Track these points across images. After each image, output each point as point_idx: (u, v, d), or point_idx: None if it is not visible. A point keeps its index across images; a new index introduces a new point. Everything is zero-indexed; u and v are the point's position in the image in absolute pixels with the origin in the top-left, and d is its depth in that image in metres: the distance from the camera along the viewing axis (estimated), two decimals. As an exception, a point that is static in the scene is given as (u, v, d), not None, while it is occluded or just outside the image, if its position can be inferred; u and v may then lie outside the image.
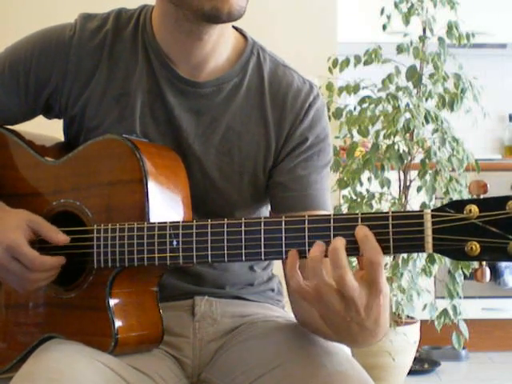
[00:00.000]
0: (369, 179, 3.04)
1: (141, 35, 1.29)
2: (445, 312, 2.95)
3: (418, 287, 3.03)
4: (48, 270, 1.16)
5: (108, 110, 1.27)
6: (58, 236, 1.17)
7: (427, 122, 2.96)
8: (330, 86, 3.23)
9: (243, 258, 1.04)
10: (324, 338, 1.16)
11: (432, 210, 0.92)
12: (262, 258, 1.03)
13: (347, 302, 0.95)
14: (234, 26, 1.31)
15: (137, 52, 1.28)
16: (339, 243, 0.95)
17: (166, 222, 1.10)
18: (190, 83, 1.27)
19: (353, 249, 0.96)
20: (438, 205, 0.93)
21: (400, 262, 2.99)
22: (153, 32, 1.28)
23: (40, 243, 1.18)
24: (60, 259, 1.16)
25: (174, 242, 1.09)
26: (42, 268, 1.15)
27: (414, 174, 3.08)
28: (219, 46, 1.27)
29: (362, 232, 0.95)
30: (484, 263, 0.93)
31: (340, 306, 0.96)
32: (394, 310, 3.02)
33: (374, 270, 0.94)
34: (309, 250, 0.99)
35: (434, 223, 0.92)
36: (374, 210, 3.03)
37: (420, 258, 2.99)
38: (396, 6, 3.07)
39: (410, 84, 3.06)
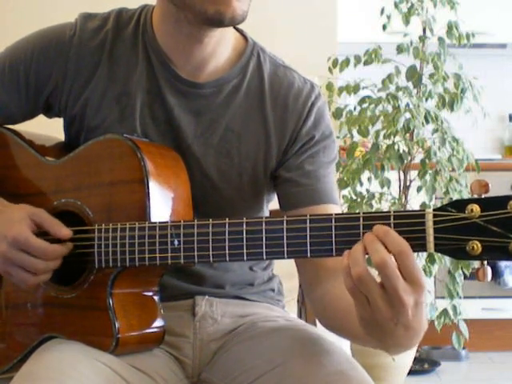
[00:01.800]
0: (369, 179, 3.04)
1: (141, 35, 1.29)
2: (445, 312, 2.95)
3: (418, 287, 3.03)
4: (58, 258, 1.16)
5: (108, 109, 1.27)
6: (62, 230, 1.17)
7: (427, 122, 2.96)
8: (330, 86, 3.23)
9: (245, 257, 1.04)
10: (362, 345, 1.12)
11: (434, 210, 0.92)
12: (264, 257, 1.03)
13: (393, 302, 0.92)
14: (234, 27, 1.31)
15: (137, 52, 1.28)
16: (371, 236, 0.93)
17: (167, 222, 1.10)
18: (189, 84, 1.27)
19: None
20: (438, 205, 0.93)
21: (400, 262, 2.98)
22: (153, 32, 1.28)
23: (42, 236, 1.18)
24: (68, 245, 1.17)
25: (176, 242, 1.09)
26: (54, 256, 1.15)
27: (414, 174, 3.08)
28: (219, 48, 1.27)
29: (382, 229, 0.93)
30: (485, 262, 0.93)
31: (385, 307, 0.92)
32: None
33: (404, 259, 0.91)
34: (310, 249, 0.99)
35: (435, 222, 0.92)
36: (374, 210, 3.03)
37: (420, 258, 2.99)
38: (396, 5, 3.07)
39: (410, 84, 3.06)
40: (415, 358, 3.20)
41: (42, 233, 1.17)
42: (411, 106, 2.96)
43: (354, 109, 3.12)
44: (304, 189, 1.26)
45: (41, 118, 1.36)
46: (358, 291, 0.93)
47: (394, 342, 0.98)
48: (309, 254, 0.99)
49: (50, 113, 1.34)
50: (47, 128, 1.37)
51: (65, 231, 1.17)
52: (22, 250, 1.14)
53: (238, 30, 1.34)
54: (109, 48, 1.28)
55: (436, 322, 2.95)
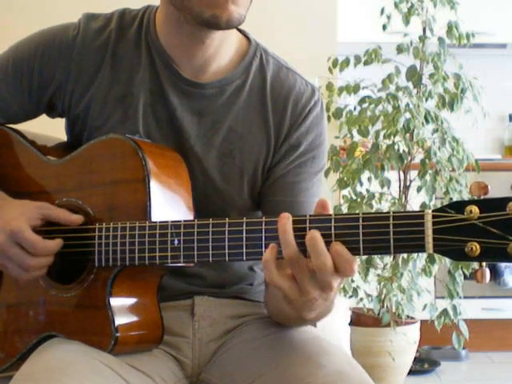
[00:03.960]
0: (369, 179, 3.04)
1: (144, 35, 1.29)
2: (445, 312, 2.95)
3: (418, 287, 3.04)
4: (50, 255, 1.16)
5: (111, 110, 1.27)
6: (71, 216, 1.18)
7: (427, 122, 2.97)
8: (330, 86, 3.23)
9: (244, 257, 1.04)
10: (286, 323, 1.21)
11: (433, 211, 0.92)
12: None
13: (322, 286, 0.97)
14: (237, 28, 1.31)
15: (140, 52, 1.28)
16: (316, 233, 0.96)
17: (167, 221, 1.10)
18: (192, 84, 1.27)
19: (354, 248, 0.96)
20: (438, 205, 0.94)
21: (400, 261, 2.99)
22: (156, 33, 1.28)
23: (44, 233, 1.18)
24: (59, 241, 1.17)
25: (176, 241, 1.09)
26: (44, 252, 1.15)
27: (414, 174, 3.08)
28: (222, 48, 1.27)
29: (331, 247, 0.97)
30: (484, 264, 0.93)
31: (313, 289, 0.98)
32: (394, 310, 3.03)
33: (347, 269, 0.96)
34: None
35: (434, 223, 0.92)
36: (373, 210, 3.03)
37: (420, 258, 3.00)
38: (396, 5, 3.07)
39: (410, 84, 3.06)
40: (415, 358, 3.20)
41: (43, 231, 1.18)
42: (411, 106, 2.96)
43: (354, 109, 3.12)
44: (284, 199, 1.27)
45: (43, 118, 1.36)
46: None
47: (312, 309, 1.04)
48: (307, 254, 1.00)
49: (52, 113, 1.34)
50: (49, 128, 1.38)
51: (74, 218, 1.17)
52: (17, 243, 1.15)
53: (240, 31, 1.34)
54: (112, 48, 1.28)
55: (436, 322, 2.95)
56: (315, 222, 0.99)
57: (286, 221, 0.97)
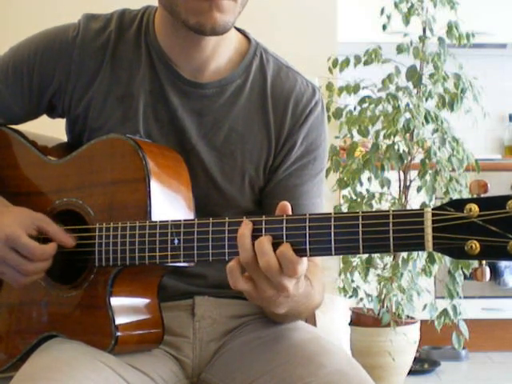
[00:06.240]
0: (369, 179, 3.04)
1: (144, 36, 1.29)
2: (445, 312, 2.95)
3: (418, 287, 3.04)
4: (47, 259, 1.17)
5: (111, 110, 1.27)
6: (67, 238, 1.18)
7: (427, 122, 2.97)
8: (330, 86, 3.23)
9: (244, 256, 1.04)
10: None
11: (432, 209, 0.92)
12: (263, 256, 1.04)
13: (277, 288, 1.01)
14: (236, 28, 1.31)
15: (140, 53, 1.28)
16: (263, 237, 1.00)
17: (167, 221, 1.10)
18: (192, 84, 1.28)
19: (354, 247, 0.96)
20: (438, 205, 0.93)
21: (400, 261, 2.99)
22: (155, 33, 1.28)
23: (41, 241, 1.18)
24: (53, 245, 1.17)
25: (176, 241, 1.09)
26: (42, 257, 1.16)
27: (414, 174, 3.08)
28: (220, 49, 1.27)
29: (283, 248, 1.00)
30: (484, 262, 0.93)
31: (270, 290, 1.02)
32: (394, 310, 3.03)
33: (289, 268, 1.00)
34: (309, 248, 0.99)
35: (434, 222, 0.92)
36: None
37: (420, 258, 2.99)
38: (396, 5, 3.07)
39: (410, 84, 3.07)
40: (415, 358, 3.20)
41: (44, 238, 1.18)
42: (411, 106, 2.96)
43: (354, 109, 3.13)
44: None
45: (44, 118, 1.36)
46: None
47: (277, 305, 1.07)
48: (308, 253, 1.00)
49: (53, 113, 1.34)
50: (50, 128, 1.38)
51: (69, 240, 1.18)
52: (13, 248, 1.15)
53: (240, 30, 1.34)
54: (112, 49, 1.28)
55: (436, 322, 2.95)
56: (314, 220, 0.99)
57: (245, 226, 1.02)
